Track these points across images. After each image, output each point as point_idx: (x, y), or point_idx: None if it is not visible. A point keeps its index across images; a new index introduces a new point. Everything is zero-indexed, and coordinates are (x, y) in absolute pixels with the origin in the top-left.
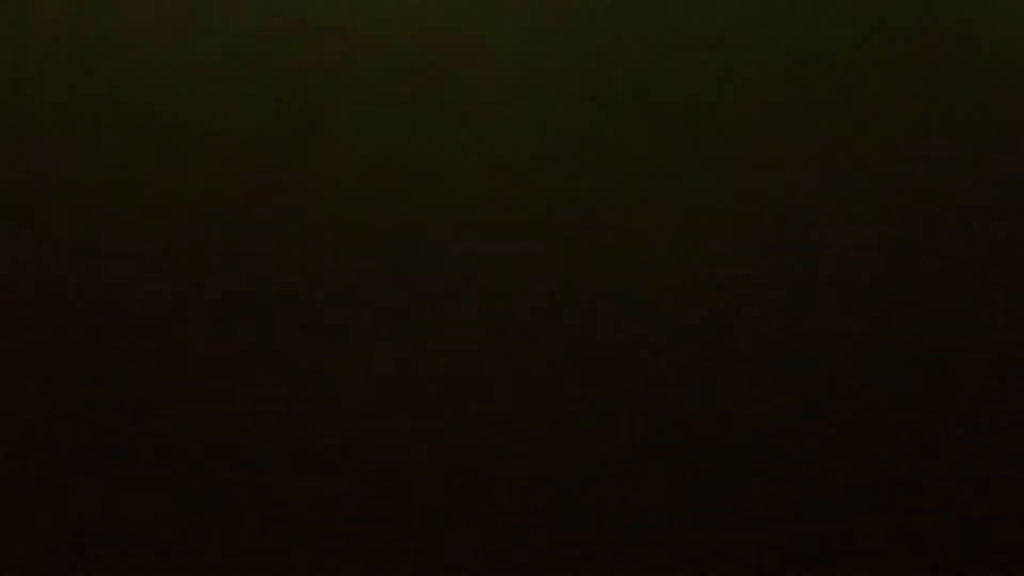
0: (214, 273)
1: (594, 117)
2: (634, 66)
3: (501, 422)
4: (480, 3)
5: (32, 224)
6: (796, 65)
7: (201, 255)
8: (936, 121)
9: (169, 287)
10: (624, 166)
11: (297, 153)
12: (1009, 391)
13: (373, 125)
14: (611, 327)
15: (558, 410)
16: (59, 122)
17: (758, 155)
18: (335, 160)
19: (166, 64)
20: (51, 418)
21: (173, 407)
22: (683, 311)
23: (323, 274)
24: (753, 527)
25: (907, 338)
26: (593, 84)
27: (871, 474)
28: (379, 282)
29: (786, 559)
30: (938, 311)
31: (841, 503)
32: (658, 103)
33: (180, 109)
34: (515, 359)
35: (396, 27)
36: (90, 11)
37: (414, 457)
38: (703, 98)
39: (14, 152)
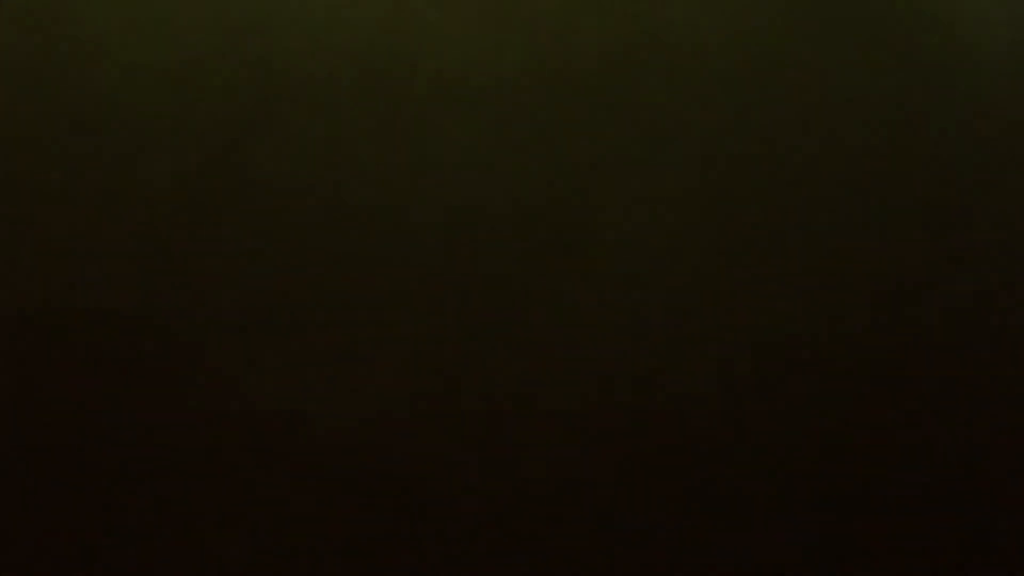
0: (200, 279)
1: (550, 119)
2: (597, 61)
3: (488, 425)
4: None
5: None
6: (772, 58)
7: (190, 261)
8: (925, 117)
9: (155, 290)
10: (599, 164)
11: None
12: (1010, 391)
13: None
14: (586, 323)
15: (542, 413)
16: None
17: (737, 148)
18: (288, 160)
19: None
20: (51, 418)
21: (169, 410)
22: (656, 309)
23: (313, 279)
24: (753, 529)
25: (906, 336)
26: (544, 85)
27: (871, 475)
28: (351, 287)
29: (786, 560)
30: (937, 310)
31: (840, 504)
32: (628, 99)
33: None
34: (497, 365)
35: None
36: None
37: (406, 459)
38: (683, 94)
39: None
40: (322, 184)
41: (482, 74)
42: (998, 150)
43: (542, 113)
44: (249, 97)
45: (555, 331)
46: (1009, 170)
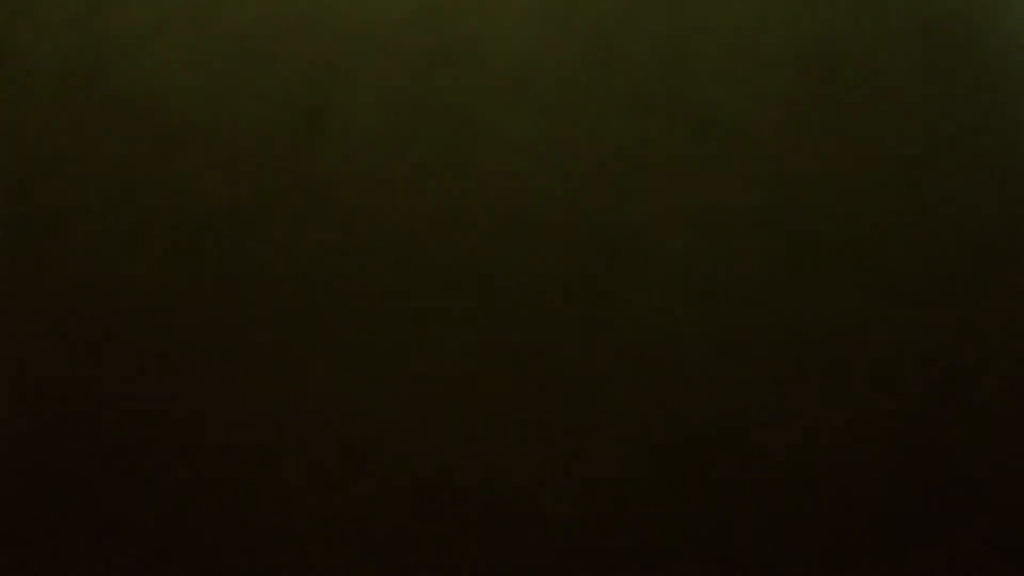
0: (219, 273)
1: (600, 116)
2: (634, 62)
3: (501, 423)
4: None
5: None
6: (806, 64)
7: (206, 257)
8: (942, 120)
9: (171, 285)
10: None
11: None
12: (1010, 391)
13: (378, 125)
14: (646, 321)
15: (562, 411)
16: (63, 123)
17: (766, 157)
18: (341, 159)
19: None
20: (52, 417)
21: (172, 408)
22: (688, 312)
23: (329, 275)
24: (754, 531)
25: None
26: (599, 82)
27: (872, 477)
28: (384, 281)
29: (786, 562)
30: (941, 312)
31: (840, 507)
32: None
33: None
34: (518, 360)
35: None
36: (96, 13)
37: (419, 458)
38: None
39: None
40: (378, 180)
41: (542, 66)
42: None
43: (599, 105)
44: (305, 94)
45: (612, 327)
46: None
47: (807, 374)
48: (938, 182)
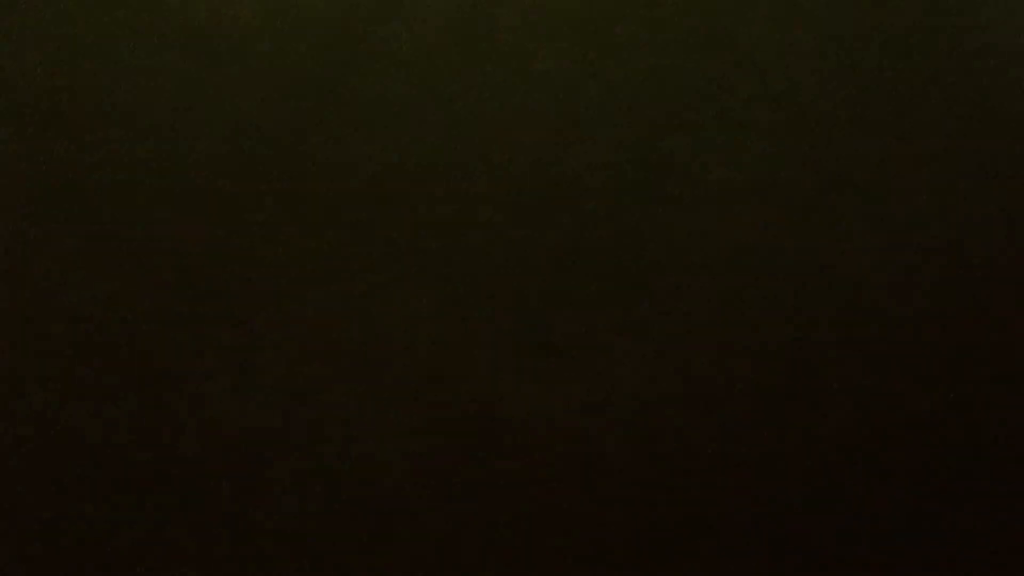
0: (213, 273)
1: (611, 120)
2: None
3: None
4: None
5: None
6: (824, 70)
7: (203, 255)
8: (945, 122)
9: (168, 287)
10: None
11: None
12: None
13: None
14: (621, 334)
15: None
16: (54, 120)
17: (775, 156)
18: (338, 158)
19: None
20: (52, 417)
21: (170, 412)
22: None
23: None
24: (754, 529)
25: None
26: (611, 86)
27: (871, 475)
28: (383, 284)
29: (786, 561)
30: (946, 315)
31: (840, 503)
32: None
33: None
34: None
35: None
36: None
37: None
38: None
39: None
40: (408, 143)
41: (559, 29)
42: None
43: (627, 61)
44: (333, 58)
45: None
46: None
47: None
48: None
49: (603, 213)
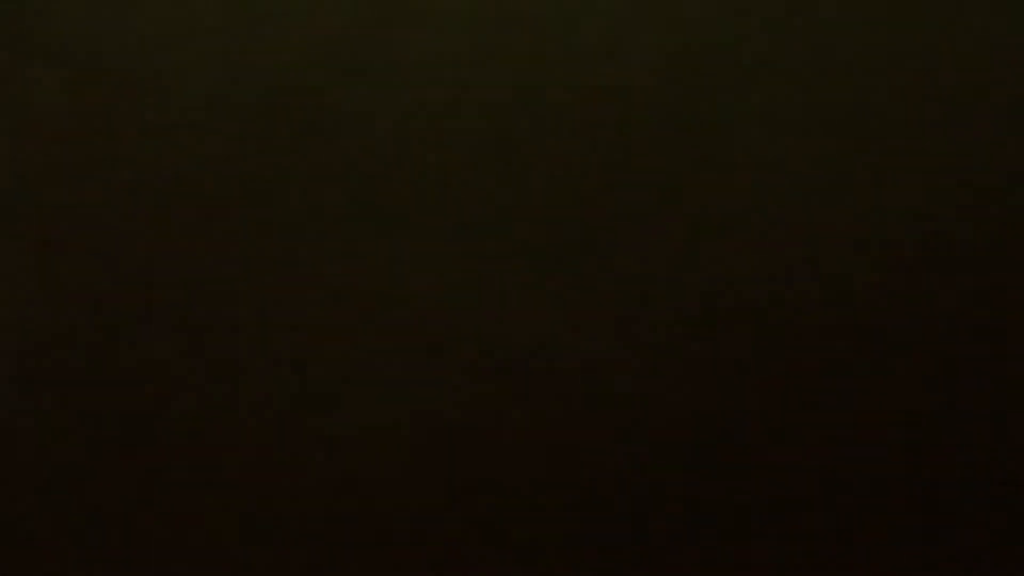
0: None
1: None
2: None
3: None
4: None
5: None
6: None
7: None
8: (936, 116)
9: (175, 281)
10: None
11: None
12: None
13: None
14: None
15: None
16: (64, 118)
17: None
18: (350, 142)
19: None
20: (53, 415)
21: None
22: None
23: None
24: (753, 525)
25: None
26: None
27: (870, 471)
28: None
29: (785, 559)
30: (939, 308)
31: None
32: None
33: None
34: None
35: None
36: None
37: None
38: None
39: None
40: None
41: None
42: None
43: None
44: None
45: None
46: None
47: None
48: None
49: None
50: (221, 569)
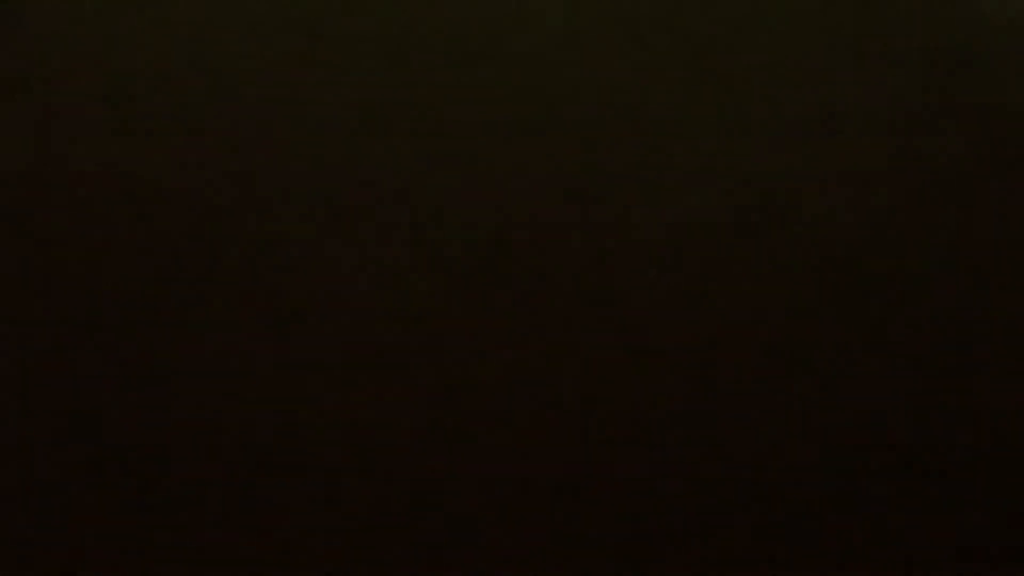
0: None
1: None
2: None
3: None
4: None
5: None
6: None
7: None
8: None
9: (168, 276)
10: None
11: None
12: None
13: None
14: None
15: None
16: (64, 117)
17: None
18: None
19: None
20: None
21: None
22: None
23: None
24: (750, 519)
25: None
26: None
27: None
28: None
29: (784, 558)
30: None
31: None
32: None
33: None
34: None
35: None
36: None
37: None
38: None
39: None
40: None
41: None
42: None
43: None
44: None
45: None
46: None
47: None
48: None
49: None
50: (217, 569)
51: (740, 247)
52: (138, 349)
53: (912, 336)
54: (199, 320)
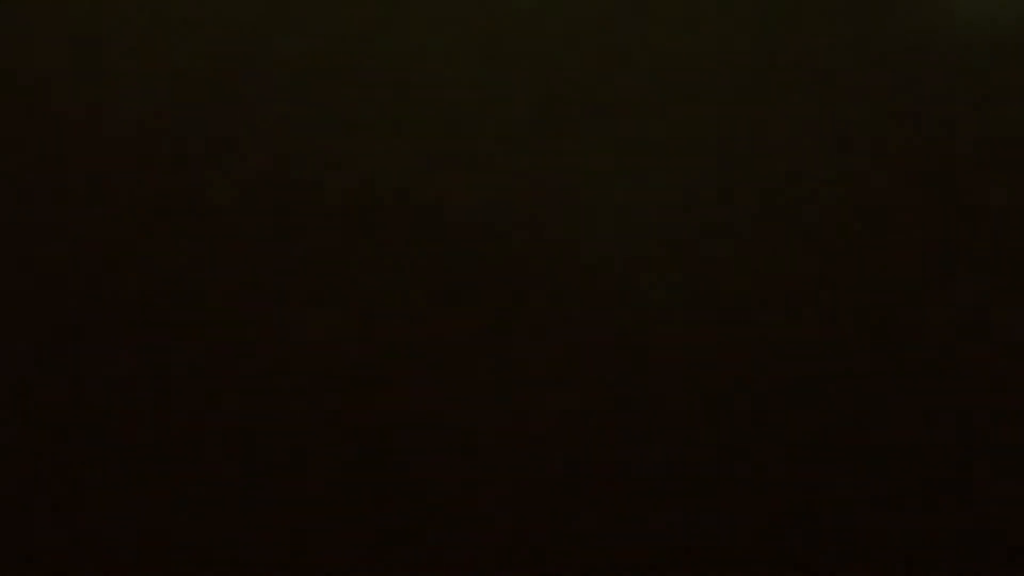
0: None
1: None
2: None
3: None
4: None
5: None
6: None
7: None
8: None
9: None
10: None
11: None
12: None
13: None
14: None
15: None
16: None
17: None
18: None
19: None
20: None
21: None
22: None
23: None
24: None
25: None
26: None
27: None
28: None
29: (784, 557)
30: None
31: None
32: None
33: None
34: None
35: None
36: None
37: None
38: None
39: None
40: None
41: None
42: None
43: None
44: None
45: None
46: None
47: None
48: None
49: None
50: (213, 568)
51: (740, 247)
52: (138, 349)
53: (912, 336)
54: (199, 320)
